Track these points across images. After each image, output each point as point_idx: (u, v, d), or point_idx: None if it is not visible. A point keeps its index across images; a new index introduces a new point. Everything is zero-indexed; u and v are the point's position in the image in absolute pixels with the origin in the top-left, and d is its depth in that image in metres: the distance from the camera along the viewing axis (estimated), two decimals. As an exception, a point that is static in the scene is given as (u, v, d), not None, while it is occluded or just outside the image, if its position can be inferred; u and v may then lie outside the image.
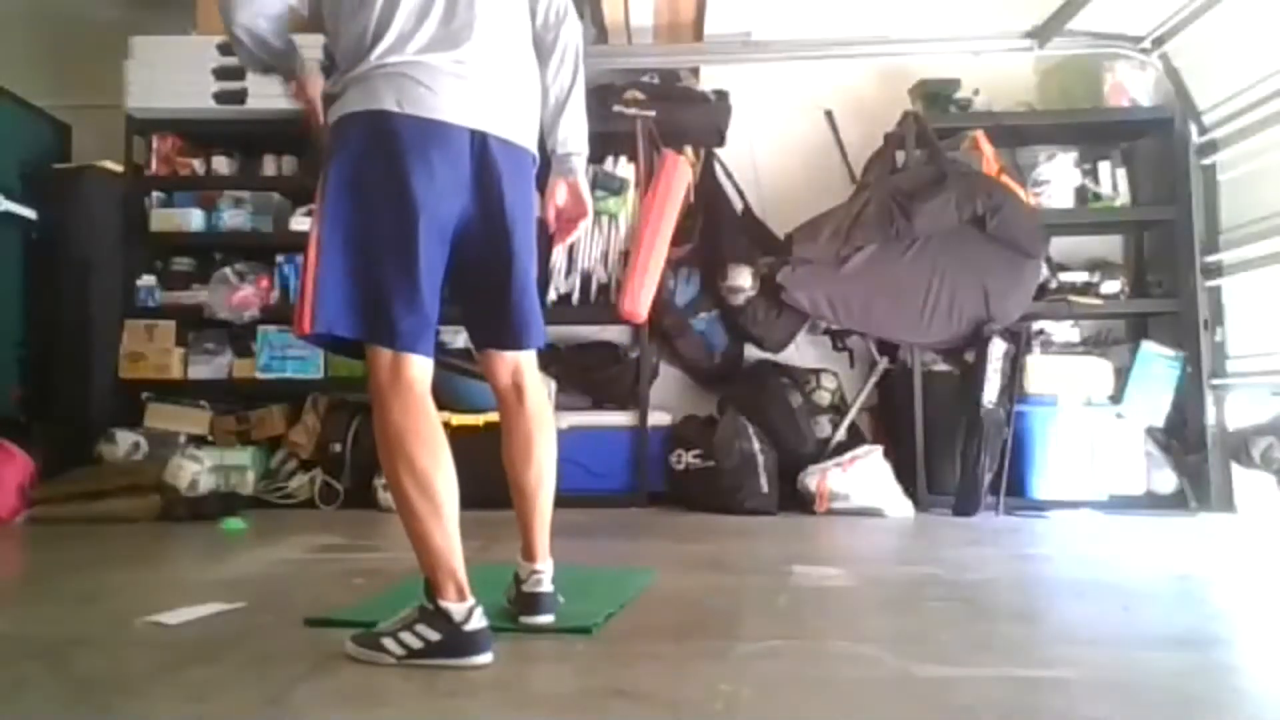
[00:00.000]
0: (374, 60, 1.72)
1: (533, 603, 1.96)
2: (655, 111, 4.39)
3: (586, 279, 4.34)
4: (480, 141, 1.78)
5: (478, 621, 1.70)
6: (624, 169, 4.34)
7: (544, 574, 1.98)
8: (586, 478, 4.21)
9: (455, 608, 1.69)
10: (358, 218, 1.70)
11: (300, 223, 4.35)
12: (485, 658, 1.69)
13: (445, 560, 1.71)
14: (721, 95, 4.54)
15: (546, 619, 1.94)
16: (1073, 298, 4.25)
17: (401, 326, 1.71)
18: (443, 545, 1.70)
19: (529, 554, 2.00)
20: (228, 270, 4.34)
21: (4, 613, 2.29)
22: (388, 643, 1.71)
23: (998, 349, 4.04)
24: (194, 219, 4.45)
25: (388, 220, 1.70)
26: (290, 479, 4.20)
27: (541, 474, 2.00)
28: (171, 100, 4.37)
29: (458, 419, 4.06)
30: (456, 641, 1.68)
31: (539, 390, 2.03)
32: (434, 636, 1.69)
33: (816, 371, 4.45)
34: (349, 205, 1.70)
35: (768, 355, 4.47)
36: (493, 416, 4.01)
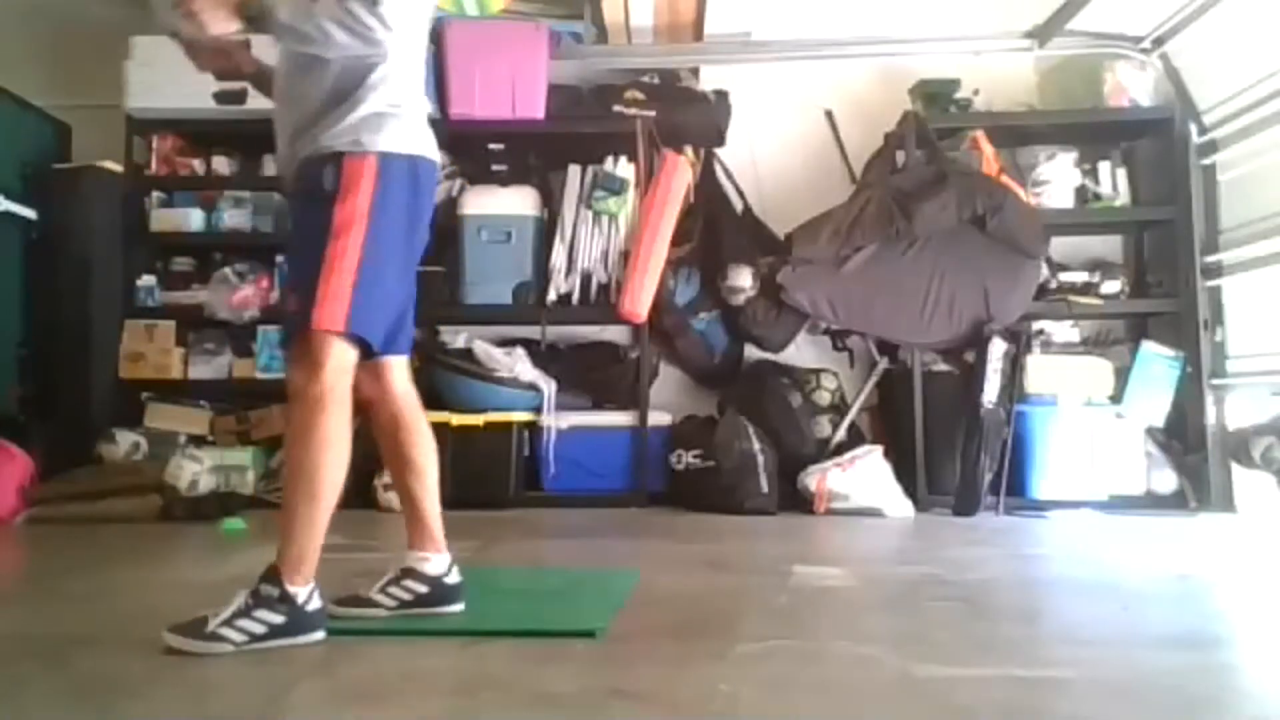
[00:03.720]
0: (407, 97, 1.94)
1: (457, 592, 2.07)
2: (655, 111, 4.40)
3: (586, 279, 4.34)
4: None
5: (317, 601, 1.83)
6: (624, 169, 4.34)
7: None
8: (586, 478, 4.22)
9: (303, 591, 1.81)
10: (392, 241, 1.90)
11: (300, 223, 4.35)
12: (322, 634, 1.83)
13: (316, 548, 1.83)
14: (721, 95, 4.54)
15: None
16: (1073, 298, 4.25)
17: (402, 337, 1.99)
18: (320, 536, 1.84)
19: (437, 545, 2.08)
20: (228, 270, 4.34)
21: (4, 613, 2.29)
22: (227, 631, 1.75)
23: (998, 349, 4.04)
24: (194, 219, 4.45)
25: (406, 247, 1.94)
26: (290, 479, 4.19)
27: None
28: (171, 100, 4.36)
29: (458, 419, 4.08)
30: (299, 622, 1.80)
31: None
32: (278, 620, 1.78)
33: (816, 371, 4.45)
34: (387, 231, 1.88)
35: (768, 355, 4.47)
36: (493, 416, 4.09)
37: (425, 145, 1.97)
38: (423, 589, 2.03)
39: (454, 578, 2.07)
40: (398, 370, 2.05)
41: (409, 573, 2.05)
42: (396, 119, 1.91)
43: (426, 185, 1.97)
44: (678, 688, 1.60)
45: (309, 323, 1.81)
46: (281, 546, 1.82)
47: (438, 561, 2.06)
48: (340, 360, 1.84)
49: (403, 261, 1.95)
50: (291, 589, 1.79)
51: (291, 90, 1.95)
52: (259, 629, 1.77)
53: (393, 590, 2.03)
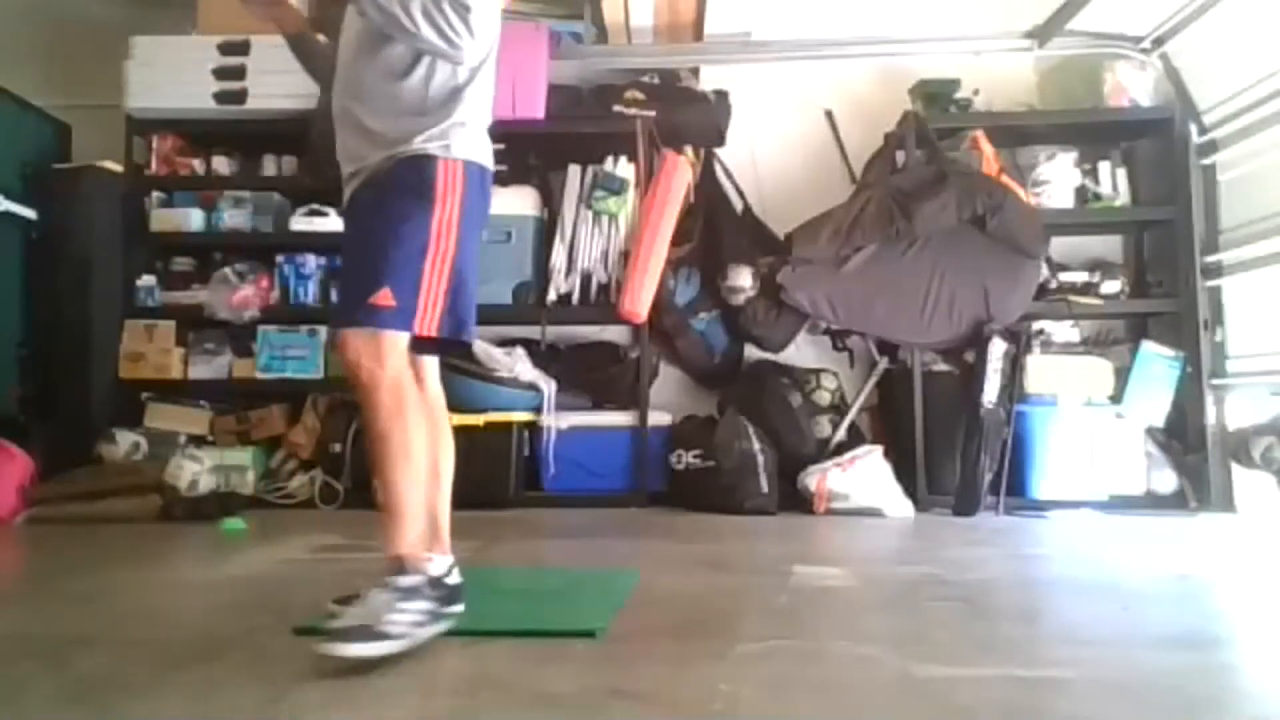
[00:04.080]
0: (485, 109, 2.02)
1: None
2: (655, 111, 4.40)
3: (586, 279, 4.34)
4: None
5: (457, 575, 1.92)
6: (624, 169, 4.34)
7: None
8: (586, 478, 4.22)
9: (441, 562, 1.91)
10: (469, 246, 1.99)
11: (300, 223, 4.35)
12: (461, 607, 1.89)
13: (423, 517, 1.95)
14: (721, 95, 4.55)
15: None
16: (1073, 298, 4.25)
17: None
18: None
19: (443, 546, 2.07)
20: (228, 270, 4.34)
21: (4, 613, 2.29)
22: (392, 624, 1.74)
23: (998, 349, 4.04)
24: (194, 219, 4.45)
25: (473, 251, 2.03)
26: (290, 479, 4.20)
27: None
28: (171, 100, 4.37)
29: (458, 419, 4.06)
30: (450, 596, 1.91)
31: None
32: (431, 603, 1.88)
33: (816, 371, 4.45)
34: (468, 237, 1.98)
35: (768, 355, 4.47)
36: (493, 416, 4.09)
37: (490, 155, 2.06)
38: None
39: (455, 578, 2.06)
40: (432, 369, 2.11)
41: None
42: (477, 129, 2.00)
43: (489, 194, 2.07)
44: (678, 688, 1.60)
45: (408, 327, 1.88)
46: (397, 531, 1.85)
47: (440, 562, 2.06)
48: (402, 346, 1.92)
49: (475, 265, 2.05)
50: (431, 570, 1.88)
51: (373, 83, 1.95)
52: (418, 616, 1.79)
53: None
